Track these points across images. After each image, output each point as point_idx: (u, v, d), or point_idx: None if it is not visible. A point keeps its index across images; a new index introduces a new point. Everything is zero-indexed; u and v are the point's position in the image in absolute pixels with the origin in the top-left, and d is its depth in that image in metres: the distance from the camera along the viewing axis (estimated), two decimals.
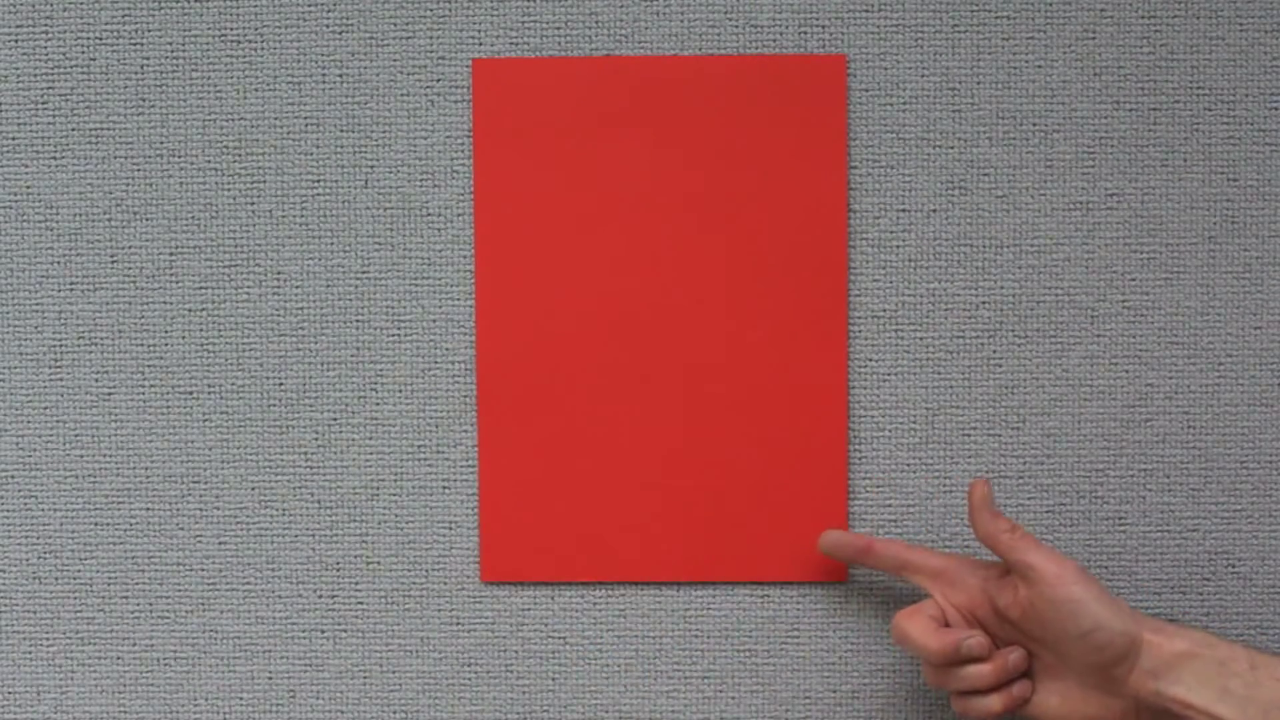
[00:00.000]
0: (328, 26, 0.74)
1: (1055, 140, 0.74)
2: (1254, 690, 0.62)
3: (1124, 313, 0.74)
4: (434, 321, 0.75)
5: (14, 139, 0.75)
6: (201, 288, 0.75)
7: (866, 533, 0.75)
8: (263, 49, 0.74)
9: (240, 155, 0.75)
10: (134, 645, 0.77)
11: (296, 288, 0.75)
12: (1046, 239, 0.74)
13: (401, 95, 0.74)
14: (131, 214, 0.75)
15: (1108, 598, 0.64)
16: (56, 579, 0.76)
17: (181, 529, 0.76)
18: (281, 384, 0.75)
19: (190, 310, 0.75)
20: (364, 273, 0.75)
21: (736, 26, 0.73)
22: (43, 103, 0.75)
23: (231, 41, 0.74)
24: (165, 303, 0.75)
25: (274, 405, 0.75)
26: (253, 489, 0.76)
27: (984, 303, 0.74)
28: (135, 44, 0.74)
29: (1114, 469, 0.75)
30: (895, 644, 0.71)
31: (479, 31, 0.74)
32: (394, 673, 0.76)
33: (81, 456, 0.76)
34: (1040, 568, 0.64)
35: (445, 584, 0.76)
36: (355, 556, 0.76)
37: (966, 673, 0.67)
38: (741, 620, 0.75)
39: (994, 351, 0.74)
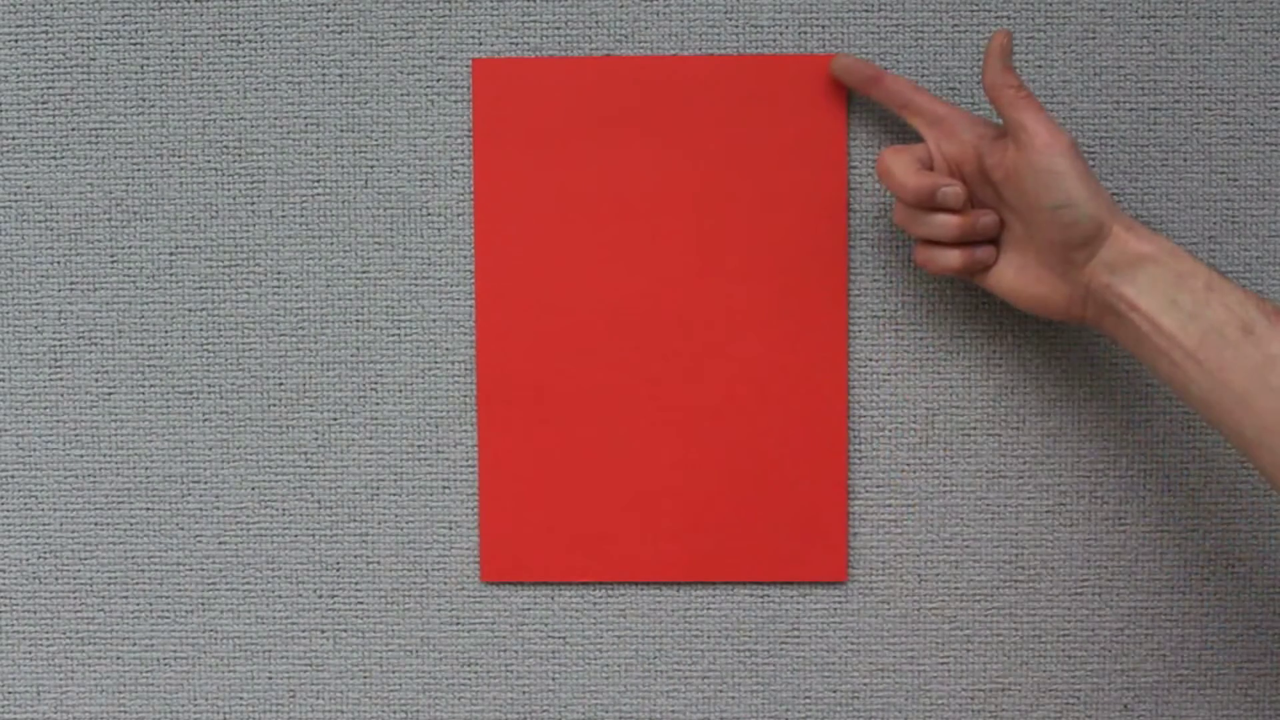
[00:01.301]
0: (328, 26, 0.74)
1: None
2: (1201, 309, 0.62)
3: None
4: (434, 321, 0.75)
5: (14, 139, 0.75)
6: (201, 288, 0.75)
7: (869, 530, 0.75)
8: (263, 49, 0.74)
9: (240, 155, 0.75)
10: (134, 645, 0.77)
11: (296, 288, 0.75)
12: None
13: (401, 95, 0.74)
14: (131, 214, 0.75)
15: (1090, 180, 0.64)
16: (56, 579, 0.76)
17: (181, 529, 0.76)
18: (281, 384, 0.75)
19: (190, 310, 0.75)
20: (364, 273, 0.75)
21: (736, 26, 0.73)
22: (43, 103, 0.75)
23: (231, 41, 0.74)
24: (165, 303, 0.75)
25: (274, 405, 0.75)
26: (253, 489, 0.76)
27: (984, 303, 0.74)
28: (135, 44, 0.74)
29: (1114, 469, 0.75)
30: (877, 178, 0.71)
31: (479, 31, 0.74)
32: (394, 673, 0.76)
33: (81, 456, 0.76)
34: (1033, 130, 0.64)
35: (445, 584, 0.76)
36: (355, 556, 0.76)
37: (935, 220, 0.67)
38: (741, 620, 0.75)
39: (994, 351, 0.74)
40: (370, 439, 0.75)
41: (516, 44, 0.74)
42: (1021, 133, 0.64)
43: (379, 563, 0.76)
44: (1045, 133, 0.64)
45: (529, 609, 0.76)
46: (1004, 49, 0.65)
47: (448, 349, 0.75)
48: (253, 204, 0.75)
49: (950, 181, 0.66)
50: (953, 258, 0.68)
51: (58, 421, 0.76)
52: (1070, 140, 0.64)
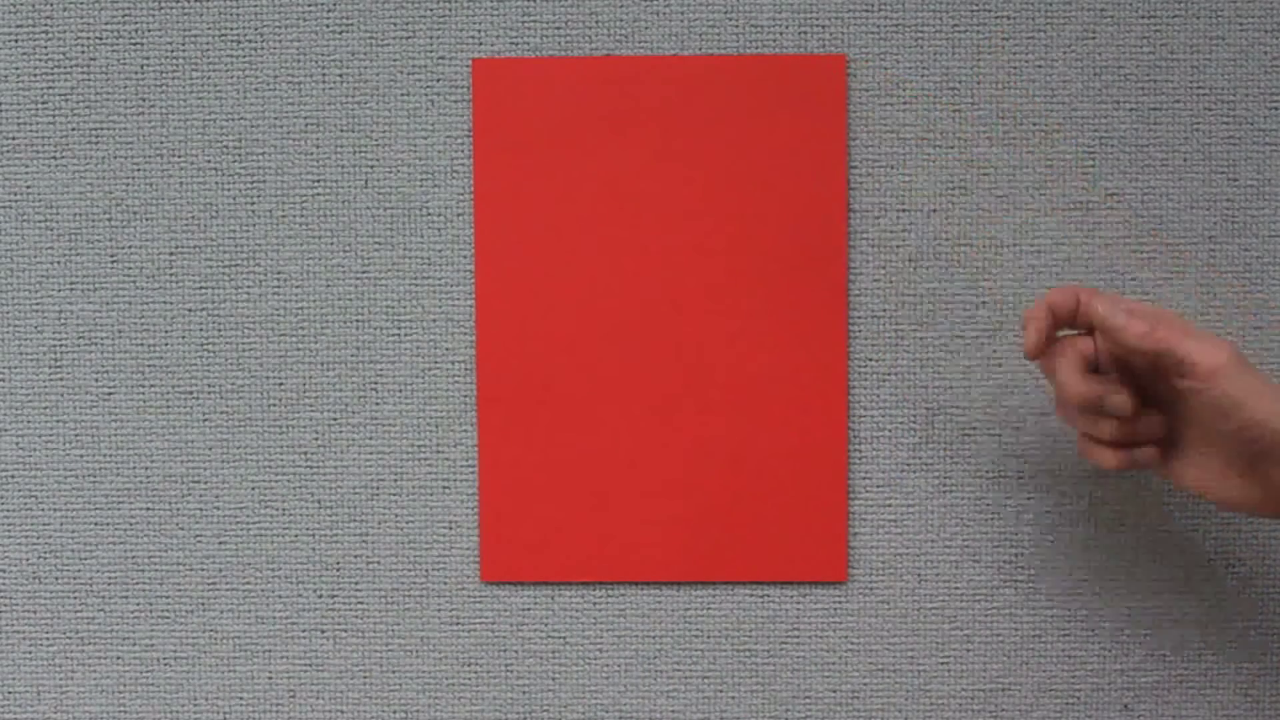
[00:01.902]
0: (328, 26, 0.74)
1: (1055, 140, 0.74)
2: None
3: None
4: (434, 321, 0.75)
5: (14, 139, 0.75)
6: (201, 288, 0.75)
7: (869, 530, 0.75)
8: (263, 49, 0.74)
9: (240, 155, 0.75)
10: (134, 645, 0.77)
11: (296, 288, 0.75)
12: (1046, 239, 0.74)
13: (401, 95, 0.74)
14: (131, 214, 0.75)
15: (1267, 390, 0.59)
16: (56, 579, 0.76)
17: (181, 529, 0.76)
18: (281, 384, 0.75)
19: (190, 310, 0.75)
20: (364, 273, 0.75)
21: (736, 26, 0.73)
22: (43, 103, 0.75)
23: (231, 41, 0.74)
24: (165, 303, 0.75)
25: (274, 405, 0.75)
26: (253, 489, 0.76)
27: (984, 303, 0.74)
28: (135, 44, 0.74)
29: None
30: (1031, 358, 0.64)
31: (479, 31, 0.74)
32: (394, 673, 0.76)
33: (81, 456, 0.76)
34: (1189, 362, 0.60)
35: (445, 584, 0.76)
36: (355, 556, 0.76)
37: (1097, 421, 0.64)
38: (741, 620, 0.75)
39: (994, 351, 0.74)
40: (370, 439, 0.75)
41: (516, 44, 0.74)
42: (1180, 366, 0.60)
43: (379, 563, 0.76)
44: (1206, 361, 0.60)
45: (529, 609, 0.76)
46: (1085, 358, 0.62)
47: (448, 349, 0.75)
48: (253, 204, 0.75)
49: (1118, 390, 0.62)
50: (1109, 458, 0.64)
51: (58, 421, 0.76)
52: (1232, 353, 0.60)
